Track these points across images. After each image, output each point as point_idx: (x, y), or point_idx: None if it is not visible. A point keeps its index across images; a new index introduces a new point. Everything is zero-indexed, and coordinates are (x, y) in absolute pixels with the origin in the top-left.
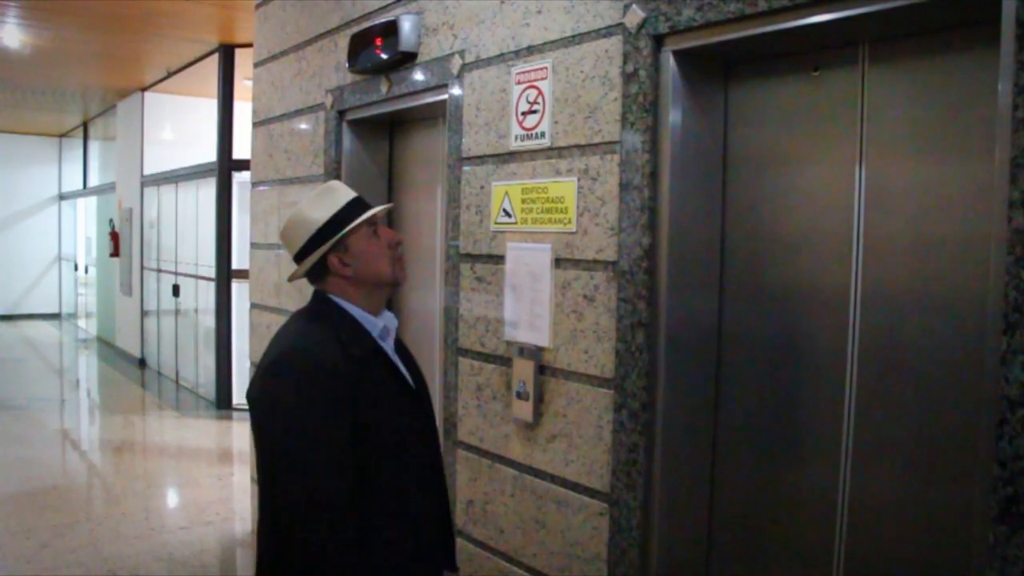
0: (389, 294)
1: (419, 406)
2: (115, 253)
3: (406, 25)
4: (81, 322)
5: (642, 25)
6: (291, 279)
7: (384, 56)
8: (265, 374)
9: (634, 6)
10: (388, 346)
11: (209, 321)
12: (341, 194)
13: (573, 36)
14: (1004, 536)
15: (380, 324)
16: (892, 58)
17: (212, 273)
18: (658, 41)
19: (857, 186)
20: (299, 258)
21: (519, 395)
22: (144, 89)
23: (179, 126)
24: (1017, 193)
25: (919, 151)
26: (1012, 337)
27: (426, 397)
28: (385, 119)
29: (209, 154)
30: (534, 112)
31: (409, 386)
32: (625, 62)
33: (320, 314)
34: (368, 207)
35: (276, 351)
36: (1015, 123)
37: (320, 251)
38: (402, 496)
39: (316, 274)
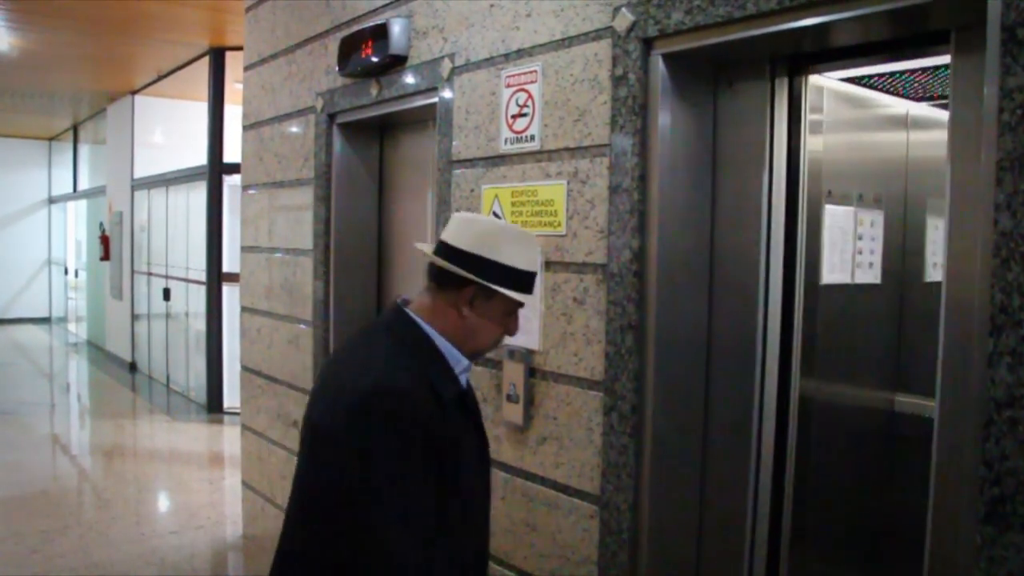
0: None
1: (487, 458)
2: (105, 257)
3: (396, 28)
4: (71, 326)
5: (631, 28)
6: (427, 257)
7: (374, 59)
8: (352, 410)
9: (623, 10)
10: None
11: (200, 325)
12: (535, 259)
13: (562, 39)
14: (991, 537)
15: (465, 362)
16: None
17: (203, 277)
18: (647, 44)
19: None
20: (455, 255)
21: (509, 398)
22: (134, 92)
23: (169, 129)
24: (1003, 196)
25: None
26: (998, 339)
27: (488, 446)
28: (375, 122)
29: (199, 157)
30: (524, 115)
31: (484, 436)
32: (614, 65)
33: (407, 341)
34: (531, 290)
35: (365, 383)
36: (1000, 126)
37: (472, 277)
38: (461, 550)
39: (445, 280)
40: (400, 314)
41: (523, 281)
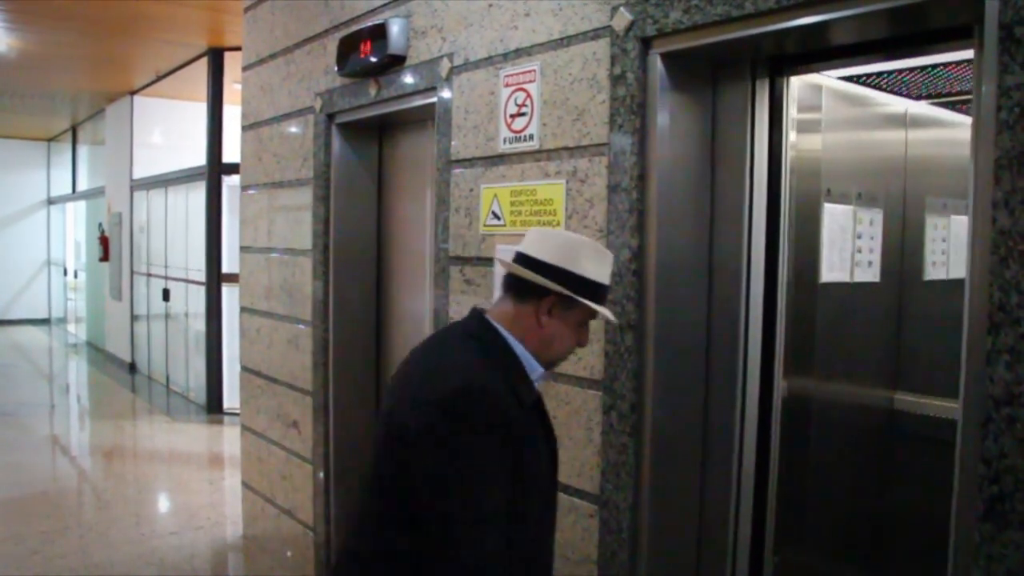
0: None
1: (556, 465)
2: (105, 257)
3: (395, 28)
4: (71, 327)
5: (630, 28)
6: (509, 267)
7: (373, 59)
8: (444, 408)
9: (622, 9)
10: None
11: (199, 325)
12: (608, 272)
13: (561, 39)
14: (989, 535)
15: (540, 370)
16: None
17: (202, 277)
18: (646, 44)
19: None
20: (538, 266)
21: None
22: (133, 93)
23: (168, 130)
24: (1000, 194)
25: None
26: (996, 337)
27: (557, 454)
28: (374, 122)
29: (199, 158)
30: (522, 115)
31: (555, 445)
32: (613, 64)
33: (487, 345)
34: (606, 302)
35: (455, 382)
36: (998, 125)
37: (556, 287)
38: (535, 553)
39: (525, 291)
40: (482, 321)
41: (600, 293)
